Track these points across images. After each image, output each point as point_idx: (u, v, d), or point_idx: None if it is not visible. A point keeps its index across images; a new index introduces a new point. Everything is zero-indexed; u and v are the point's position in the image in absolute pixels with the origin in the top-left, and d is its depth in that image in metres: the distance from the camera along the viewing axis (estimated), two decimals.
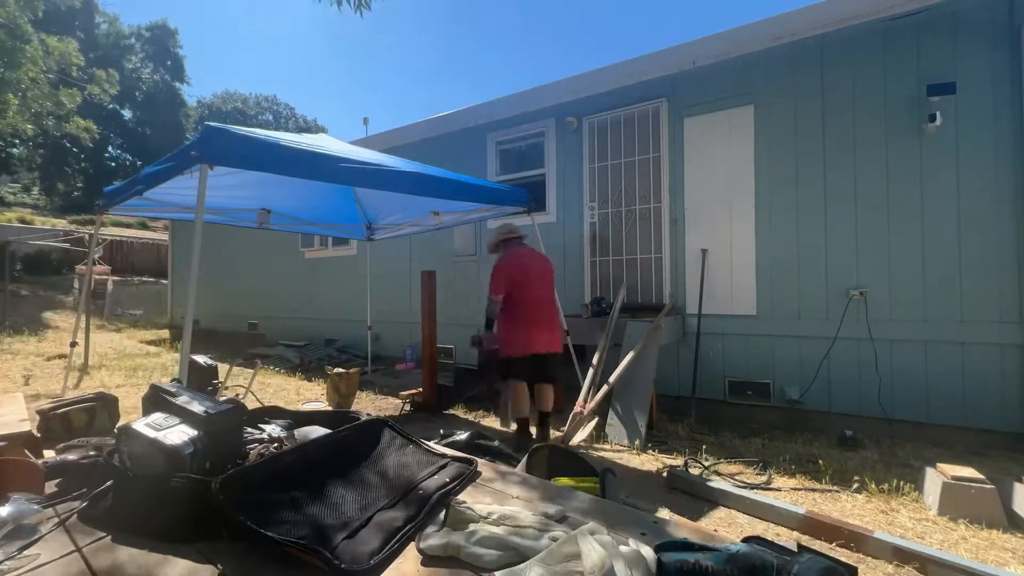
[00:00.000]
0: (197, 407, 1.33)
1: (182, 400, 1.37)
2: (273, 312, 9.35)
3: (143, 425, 1.25)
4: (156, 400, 1.41)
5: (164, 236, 17.38)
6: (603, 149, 5.48)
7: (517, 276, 3.81)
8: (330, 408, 4.76)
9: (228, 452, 1.35)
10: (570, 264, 5.67)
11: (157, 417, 1.29)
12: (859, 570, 1.15)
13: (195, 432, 1.26)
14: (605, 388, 4.02)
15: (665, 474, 3.18)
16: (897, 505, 2.83)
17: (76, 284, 14.86)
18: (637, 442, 3.78)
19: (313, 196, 5.25)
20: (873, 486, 2.99)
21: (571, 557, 0.95)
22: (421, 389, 4.88)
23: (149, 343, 10.03)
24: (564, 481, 1.97)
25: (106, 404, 3.80)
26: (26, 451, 2.21)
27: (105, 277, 14.89)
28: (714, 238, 4.82)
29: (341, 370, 5.10)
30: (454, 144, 6.67)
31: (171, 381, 1.84)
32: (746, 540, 1.05)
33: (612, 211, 5.42)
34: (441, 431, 3.33)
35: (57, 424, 3.52)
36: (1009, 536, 2.48)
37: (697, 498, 2.92)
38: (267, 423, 1.66)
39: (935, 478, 2.84)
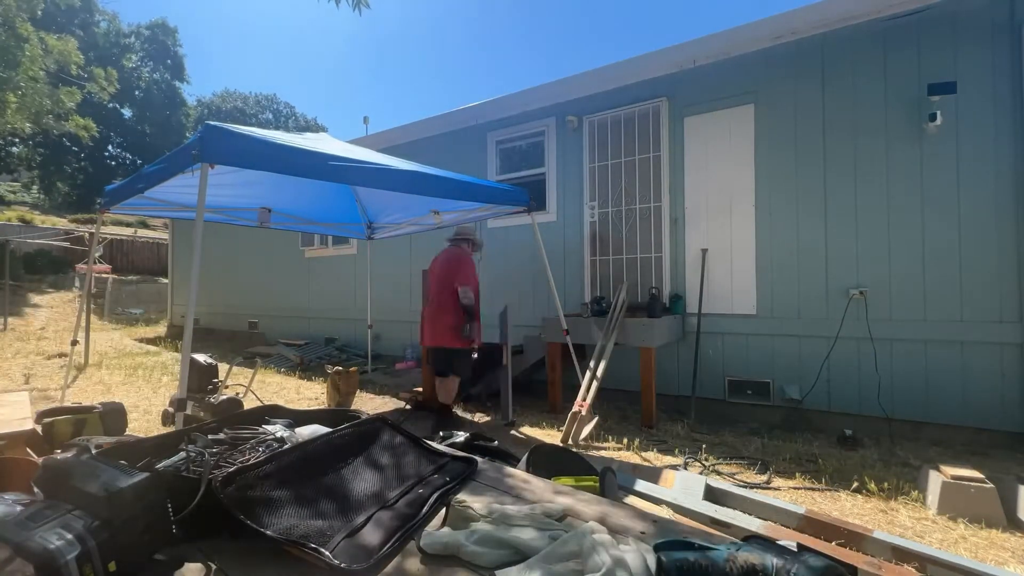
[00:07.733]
0: (95, 485, 0.95)
1: (79, 477, 0.99)
2: (273, 311, 9.35)
3: (7, 524, 0.89)
4: (47, 482, 1.05)
5: (164, 235, 17.37)
6: (603, 148, 5.47)
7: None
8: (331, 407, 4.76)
9: (145, 541, 0.97)
10: (570, 263, 5.67)
11: (38, 508, 0.94)
12: (858, 570, 1.15)
13: (87, 523, 0.89)
14: (595, 384, 4.04)
15: None
16: (896, 504, 2.83)
17: (76, 283, 14.86)
18: (637, 441, 3.78)
19: (313, 195, 5.25)
20: (873, 485, 2.99)
21: (571, 556, 0.95)
22: (421, 388, 4.88)
23: (149, 342, 10.03)
24: (564, 480, 1.97)
25: (112, 413, 3.77)
26: (28, 449, 2.21)
27: (105, 276, 14.89)
28: (714, 237, 4.82)
29: (341, 369, 5.09)
30: (454, 143, 6.67)
31: (80, 444, 1.33)
32: (746, 539, 1.05)
33: (612, 210, 5.41)
34: (440, 431, 3.32)
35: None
36: (1008, 535, 2.49)
37: None
38: (268, 422, 1.66)
39: (935, 477, 2.84)
